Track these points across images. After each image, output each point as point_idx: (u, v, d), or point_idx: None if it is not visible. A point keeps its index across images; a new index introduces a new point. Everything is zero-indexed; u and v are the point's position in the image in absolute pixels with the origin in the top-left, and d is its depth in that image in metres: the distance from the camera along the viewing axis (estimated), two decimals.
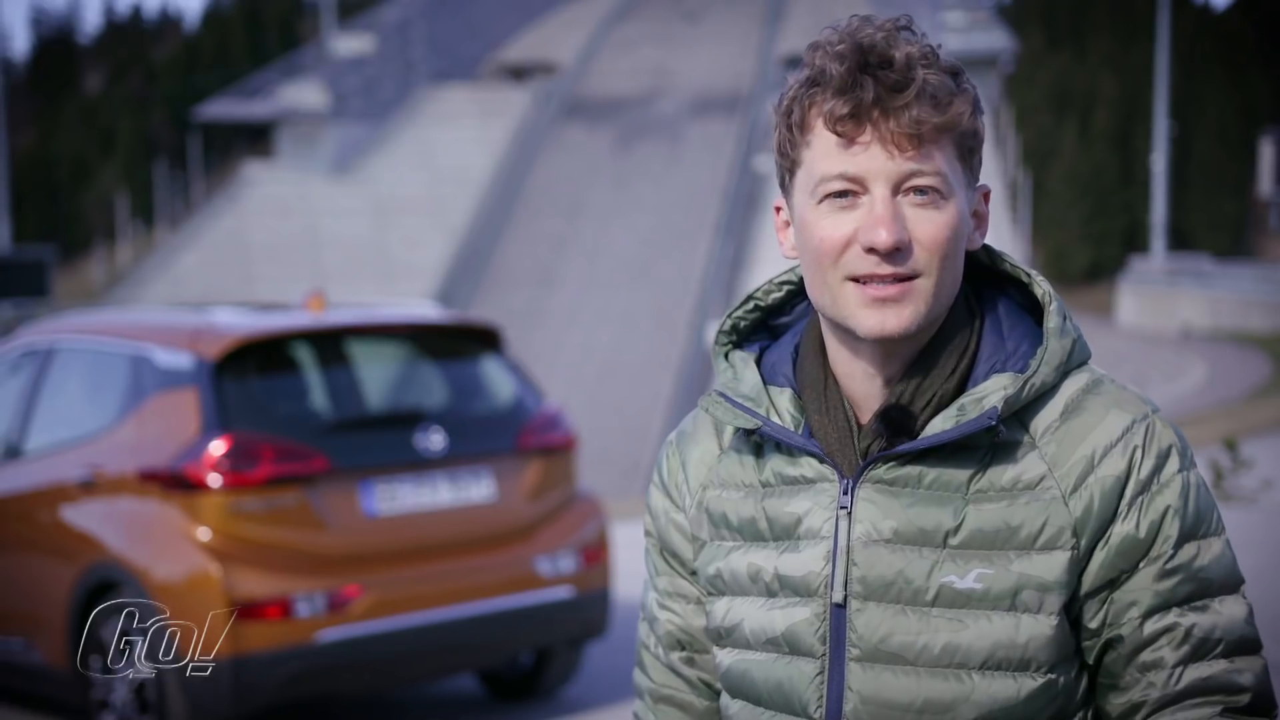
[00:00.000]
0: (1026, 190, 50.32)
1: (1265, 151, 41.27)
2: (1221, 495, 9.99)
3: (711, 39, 44.78)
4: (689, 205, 33.85)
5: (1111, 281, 46.93)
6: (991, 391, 1.49)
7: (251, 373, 5.61)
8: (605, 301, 30.69)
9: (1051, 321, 1.53)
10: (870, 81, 1.45)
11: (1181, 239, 52.53)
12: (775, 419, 1.57)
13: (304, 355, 5.95)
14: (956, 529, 1.48)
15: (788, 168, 1.54)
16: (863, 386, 1.54)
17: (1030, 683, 1.47)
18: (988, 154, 35.34)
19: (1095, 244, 55.85)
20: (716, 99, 39.17)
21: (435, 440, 5.70)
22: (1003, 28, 41.99)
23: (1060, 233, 56.01)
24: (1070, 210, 56.31)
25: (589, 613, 6.02)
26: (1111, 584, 1.48)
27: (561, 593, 5.90)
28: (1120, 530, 1.47)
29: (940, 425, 1.49)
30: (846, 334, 1.52)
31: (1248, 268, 44.13)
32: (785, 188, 1.56)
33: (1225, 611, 1.49)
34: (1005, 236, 32.54)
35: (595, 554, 6.04)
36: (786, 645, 1.54)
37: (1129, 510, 1.47)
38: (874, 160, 1.46)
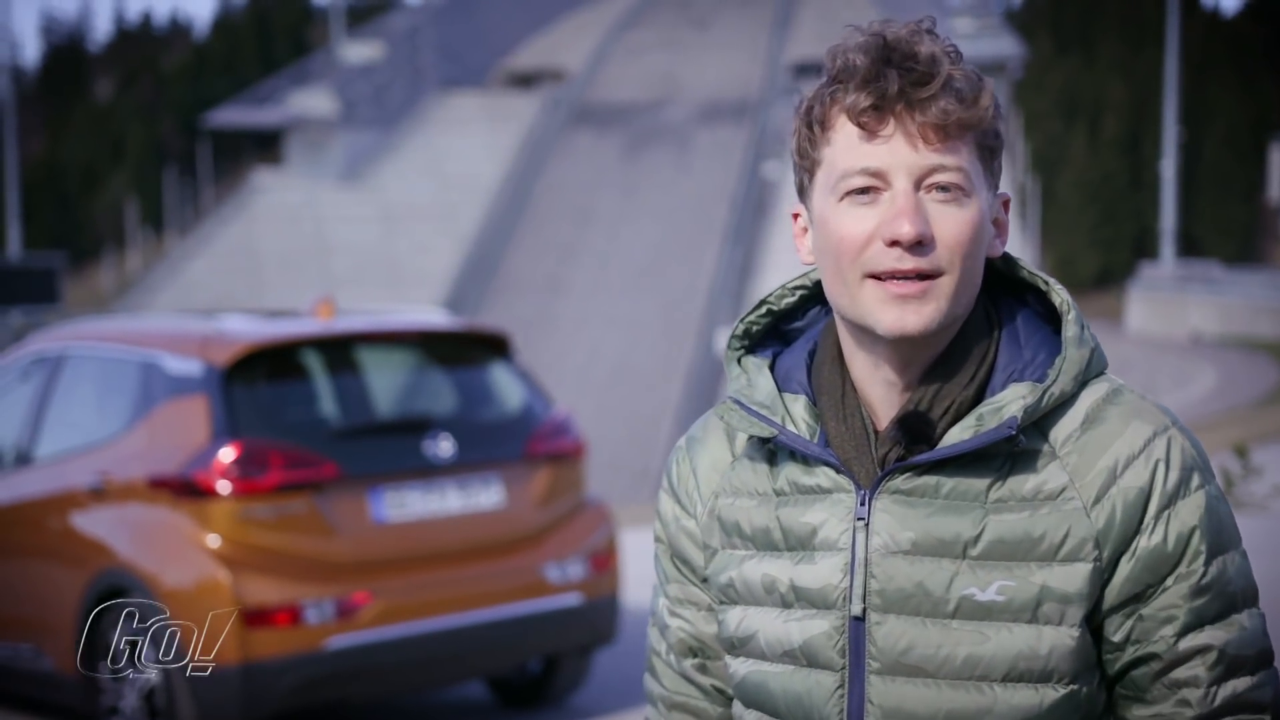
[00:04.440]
0: (1035, 196, 50.25)
1: (1275, 157, 41.11)
2: (1233, 502, 9.98)
3: (720, 46, 44.78)
4: (697, 212, 33.85)
5: (1121, 287, 46.87)
6: (1010, 401, 1.47)
7: (261, 380, 5.62)
8: (614, 308, 30.68)
9: (1070, 330, 1.51)
10: (894, 74, 1.44)
11: (1191, 245, 52.44)
12: (790, 427, 1.55)
13: (313, 362, 5.96)
14: (976, 539, 1.46)
15: (807, 169, 1.52)
16: (881, 392, 1.52)
17: (1052, 694, 1.46)
18: None
19: (1104, 250, 55.78)
20: (725, 105, 39.18)
21: (444, 447, 5.70)
22: (1011, 34, 41.95)
23: (1069, 239, 55.94)
24: (1079, 216, 56.24)
25: (597, 619, 6.01)
26: (1137, 598, 1.47)
27: (570, 599, 5.89)
28: (1146, 544, 1.46)
29: (958, 435, 1.47)
30: (865, 336, 1.50)
31: (1257, 273, 44.05)
32: (804, 191, 1.54)
33: (1250, 626, 1.49)
34: (1015, 242, 32.49)
35: (604, 561, 6.04)
36: (804, 658, 1.52)
37: (1155, 524, 1.46)
38: (896, 153, 1.45)
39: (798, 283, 1.64)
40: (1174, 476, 1.47)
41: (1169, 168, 41.68)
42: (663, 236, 33.27)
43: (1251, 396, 23.21)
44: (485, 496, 5.80)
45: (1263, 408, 20.65)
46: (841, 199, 1.48)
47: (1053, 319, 1.56)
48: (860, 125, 1.46)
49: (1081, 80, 60.84)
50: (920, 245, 1.44)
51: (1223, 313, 38.58)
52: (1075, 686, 1.47)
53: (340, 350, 5.98)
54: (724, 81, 41.12)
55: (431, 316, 6.95)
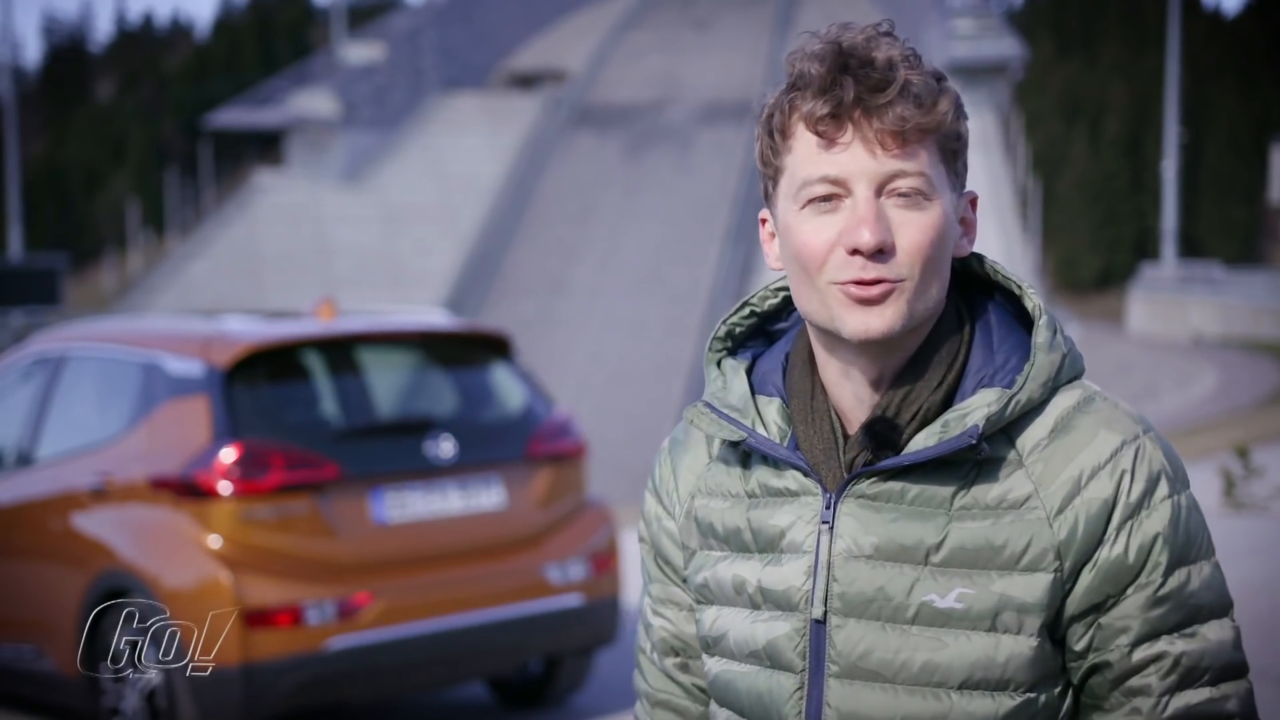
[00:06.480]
0: (1037, 197, 50.23)
1: (1276, 158, 41.16)
2: (1233, 503, 9.96)
3: (721, 46, 44.80)
4: (699, 212, 33.86)
5: (1122, 289, 46.87)
6: (976, 408, 1.47)
7: (262, 380, 5.62)
8: (615, 308, 30.69)
9: (1040, 336, 1.50)
10: (850, 81, 1.44)
11: (1192, 246, 52.44)
12: (761, 430, 1.55)
13: (314, 363, 5.96)
14: (939, 546, 1.46)
15: (770, 176, 1.53)
16: (851, 396, 1.52)
17: (1009, 702, 1.46)
18: (998, 161, 35.36)
19: (1106, 251, 55.79)
20: (726, 106, 39.17)
21: (445, 448, 5.70)
22: (1013, 35, 41.88)
23: (1071, 240, 55.94)
24: (1081, 217, 56.24)
25: (598, 620, 6.02)
26: (1097, 608, 1.46)
27: (571, 600, 5.90)
28: (1108, 555, 1.45)
29: (924, 441, 1.47)
30: (834, 340, 1.50)
31: (1259, 275, 44.03)
32: (769, 198, 1.55)
33: (1214, 638, 1.47)
34: (1016, 244, 32.50)
35: (605, 561, 6.04)
36: (767, 659, 1.53)
37: (1117, 535, 1.45)
38: (856, 160, 1.45)
39: (780, 283, 1.63)
40: (1139, 488, 1.46)
41: (1170, 169, 41.69)
42: (664, 237, 33.28)
43: (1253, 397, 23.20)
44: (486, 497, 5.80)
45: (1264, 409, 20.65)
46: (803, 207, 1.48)
47: (1027, 320, 1.55)
48: (818, 134, 1.46)
49: (1083, 81, 60.83)
50: (881, 253, 1.44)
51: (1224, 314, 38.58)
52: (1032, 695, 1.46)
53: (341, 351, 5.98)
54: (725, 82, 41.12)
55: (432, 317, 6.95)
